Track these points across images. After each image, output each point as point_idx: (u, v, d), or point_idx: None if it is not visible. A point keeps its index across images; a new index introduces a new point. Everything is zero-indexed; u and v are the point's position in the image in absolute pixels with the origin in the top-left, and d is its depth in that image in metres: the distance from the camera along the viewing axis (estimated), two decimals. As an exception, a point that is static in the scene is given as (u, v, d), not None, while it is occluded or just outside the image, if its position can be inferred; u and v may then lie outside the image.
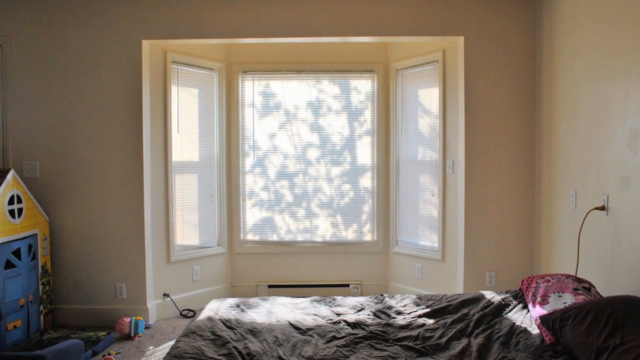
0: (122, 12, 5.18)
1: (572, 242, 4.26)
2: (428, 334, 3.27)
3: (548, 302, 3.26)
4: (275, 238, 6.34)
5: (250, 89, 6.21)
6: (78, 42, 5.18)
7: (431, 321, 3.50)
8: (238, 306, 3.79)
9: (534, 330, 3.21)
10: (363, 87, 6.24)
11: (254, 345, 3.08)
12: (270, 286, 6.19)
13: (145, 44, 5.24)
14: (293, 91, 6.25)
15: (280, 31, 5.20)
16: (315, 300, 3.97)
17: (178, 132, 5.70)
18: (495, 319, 3.46)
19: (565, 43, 4.48)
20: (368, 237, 6.34)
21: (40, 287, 4.90)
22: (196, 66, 5.86)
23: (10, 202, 4.54)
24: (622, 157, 3.53)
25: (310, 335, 3.29)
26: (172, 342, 4.43)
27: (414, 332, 3.29)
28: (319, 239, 6.33)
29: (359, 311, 3.74)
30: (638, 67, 3.36)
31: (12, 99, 5.15)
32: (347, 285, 6.20)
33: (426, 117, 5.80)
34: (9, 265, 4.45)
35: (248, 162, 6.27)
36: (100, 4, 5.17)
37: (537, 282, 3.54)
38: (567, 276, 3.49)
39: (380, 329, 3.38)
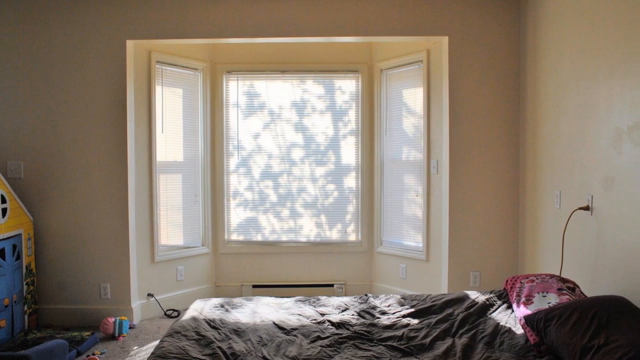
0: (107, 12, 5.13)
1: (556, 242, 4.28)
2: (412, 334, 3.27)
3: (532, 302, 3.27)
4: (259, 238, 6.31)
5: (235, 89, 6.19)
6: (62, 42, 5.13)
7: (415, 321, 3.50)
8: (222, 306, 3.78)
9: (518, 330, 3.23)
10: (347, 87, 6.24)
11: (239, 345, 3.07)
12: (254, 286, 6.17)
13: (130, 44, 5.21)
14: (277, 91, 6.23)
15: (265, 31, 5.19)
16: (300, 300, 3.96)
17: (162, 132, 5.66)
18: (479, 319, 3.47)
19: (549, 43, 4.50)
20: (352, 237, 6.33)
21: (25, 287, 4.84)
22: (180, 66, 5.82)
23: (-6, 202, 4.51)
24: (607, 157, 3.55)
25: (295, 335, 3.28)
26: (156, 342, 4.40)
27: (398, 332, 3.30)
28: (303, 239, 6.32)
29: (343, 311, 3.73)
30: (622, 67, 3.38)
31: (-5, 98, 5.11)
32: (332, 285, 6.19)
33: (410, 117, 5.81)
34: (-7, 265, 4.42)
35: (232, 162, 6.24)
36: (85, 4, 5.12)
37: (521, 282, 3.56)
38: (552, 276, 3.51)
39: (364, 329, 3.37)
